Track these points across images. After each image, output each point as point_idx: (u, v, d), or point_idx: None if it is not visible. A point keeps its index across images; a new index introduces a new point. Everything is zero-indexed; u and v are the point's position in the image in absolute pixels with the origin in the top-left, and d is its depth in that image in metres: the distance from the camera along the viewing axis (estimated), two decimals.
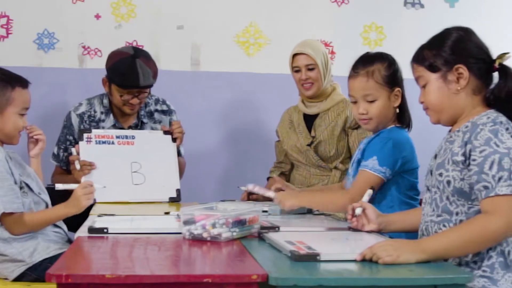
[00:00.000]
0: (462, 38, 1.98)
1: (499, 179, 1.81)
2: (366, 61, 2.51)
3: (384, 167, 2.41)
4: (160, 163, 3.14)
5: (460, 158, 1.89)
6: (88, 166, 2.97)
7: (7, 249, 2.47)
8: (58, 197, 2.65)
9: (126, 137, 3.13)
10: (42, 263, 2.47)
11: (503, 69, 1.96)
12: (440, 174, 1.95)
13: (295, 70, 3.26)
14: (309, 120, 3.30)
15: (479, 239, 1.81)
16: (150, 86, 3.20)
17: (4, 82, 2.52)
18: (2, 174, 2.44)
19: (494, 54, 2.00)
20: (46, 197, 2.65)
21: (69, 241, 2.62)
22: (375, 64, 2.49)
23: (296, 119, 3.34)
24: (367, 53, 2.59)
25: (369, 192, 2.26)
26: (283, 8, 4.01)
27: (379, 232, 2.15)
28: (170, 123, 3.33)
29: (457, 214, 1.93)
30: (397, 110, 2.50)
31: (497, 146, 1.83)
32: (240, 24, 3.99)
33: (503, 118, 1.91)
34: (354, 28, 4.08)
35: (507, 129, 1.89)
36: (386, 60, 2.51)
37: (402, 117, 2.53)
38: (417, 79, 2.05)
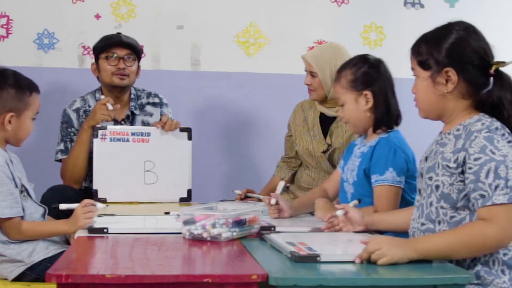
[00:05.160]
0: (461, 40, 1.92)
1: (496, 187, 1.79)
2: (339, 68, 2.55)
3: (401, 176, 2.40)
4: (174, 162, 3.13)
5: (452, 164, 1.87)
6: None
7: (6, 250, 2.47)
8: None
9: (142, 134, 3.12)
10: (41, 263, 2.46)
11: (498, 75, 1.92)
12: (430, 178, 1.94)
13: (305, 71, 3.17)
14: (325, 123, 3.16)
15: (473, 244, 1.80)
16: (134, 47, 3.30)
17: (24, 88, 2.56)
18: (2, 179, 2.44)
19: (496, 54, 1.95)
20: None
21: (67, 241, 2.62)
22: (344, 70, 2.50)
23: (311, 119, 3.20)
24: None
25: (355, 202, 2.28)
26: (283, 8, 4.01)
27: (369, 232, 2.16)
28: (161, 116, 3.34)
29: (439, 223, 1.92)
30: (372, 113, 2.45)
31: (493, 153, 1.81)
32: (240, 24, 3.98)
33: (497, 124, 1.87)
34: (354, 28, 4.07)
35: (503, 134, 1.86)
36: (356, 63, 2.49)
37: (386, 118, 2.47)
38: (412, 68, 2.02)
